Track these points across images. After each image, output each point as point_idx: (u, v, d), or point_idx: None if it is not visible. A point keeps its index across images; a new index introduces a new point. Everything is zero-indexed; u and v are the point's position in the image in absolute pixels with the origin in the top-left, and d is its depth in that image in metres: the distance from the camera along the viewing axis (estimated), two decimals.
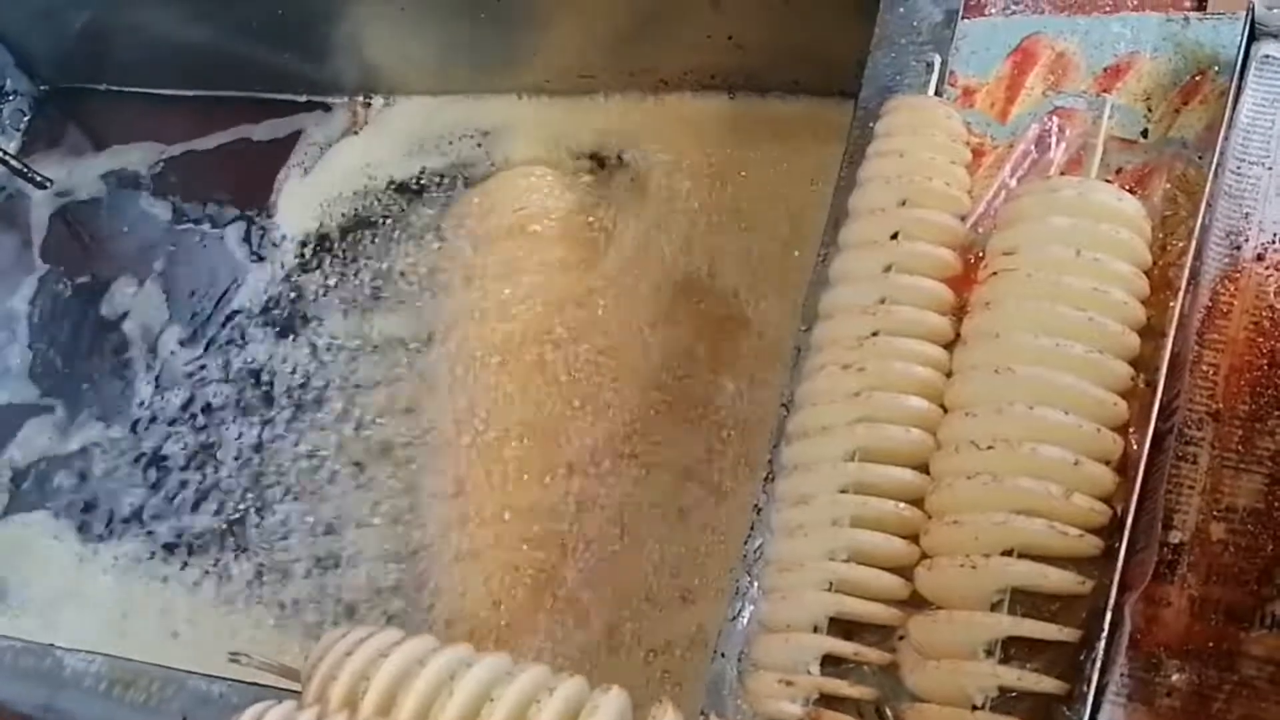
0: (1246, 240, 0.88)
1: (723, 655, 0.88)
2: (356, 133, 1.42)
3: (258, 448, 1.31)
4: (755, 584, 0.88)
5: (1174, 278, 0.87)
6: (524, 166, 1.28)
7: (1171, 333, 0.85)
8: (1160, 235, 0.89)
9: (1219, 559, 0.82)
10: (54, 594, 1.31)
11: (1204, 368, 0.86)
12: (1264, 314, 0.86)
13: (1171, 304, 0.86)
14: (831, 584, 0.83)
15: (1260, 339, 0.86)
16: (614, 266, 1.23)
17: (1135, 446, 0.84)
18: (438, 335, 1.28)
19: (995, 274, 0.86)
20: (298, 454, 1.30)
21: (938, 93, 0.97)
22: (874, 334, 0.87)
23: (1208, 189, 0.88)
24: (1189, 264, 0.87)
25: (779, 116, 1.24)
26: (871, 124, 0.96)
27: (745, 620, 0.87)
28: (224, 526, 1.30)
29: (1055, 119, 0.95)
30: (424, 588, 1.18)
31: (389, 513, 1.23)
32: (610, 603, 1.12)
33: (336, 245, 1.37)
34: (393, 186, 1.37)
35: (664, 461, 1.16)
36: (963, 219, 0.92)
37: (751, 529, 0.90)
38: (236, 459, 1.31)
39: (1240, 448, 0.84)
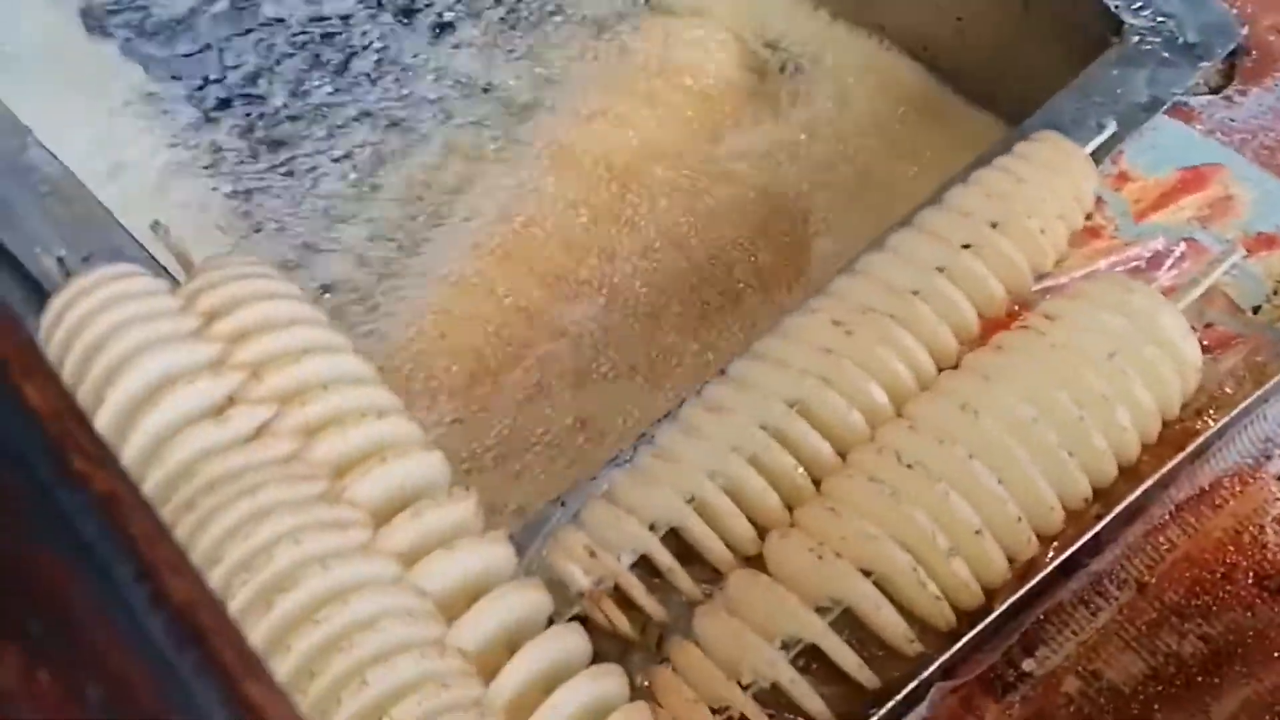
0: (1277, 455, 0.82)
1: (563, 504, 0.84)
2: None
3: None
4: (633, 458, 0.84)
5: (1186, 442, 0.81)
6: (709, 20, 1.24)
7: (1146, 486, 0.80)
8: (1203, 400, 0.83)
9: (1055, 711, 0.76)
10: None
11: (1161, 539, 0.80)
12: (1251, 528, 0.80)
13: (1168, 462, 0.80)
14: (694, 498, 0.79)
15: (1232, 548, 0.79)
16: (728, 152, 1.19)
17: (1046, 558, 0.78)
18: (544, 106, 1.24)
19: (1024, 328, 0.81)
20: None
21: (1095, 158, 0.91)
22: (882, 313, 0.82)
23: (1272, 385, 0.82)
24: (1207, 435, 0.81)
25: (952, 110, 1.18)
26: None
27: (604, 486, 0.83)
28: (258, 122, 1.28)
29: (1184, 246, 0.89)
30: (398, 276, 1.15)
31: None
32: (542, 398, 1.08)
33: None
34: None
35: (672, 321, 1.12)
36: (1036, 276, 0.87)
37: (667, 415, 0.86)
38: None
39: (1143, 629, 0.78)
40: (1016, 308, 0.86)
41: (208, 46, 1.30)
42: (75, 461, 0.35)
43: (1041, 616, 0.77)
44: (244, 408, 0.75)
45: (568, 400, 1.08)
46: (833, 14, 1.25)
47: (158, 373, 0.76)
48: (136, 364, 0.76)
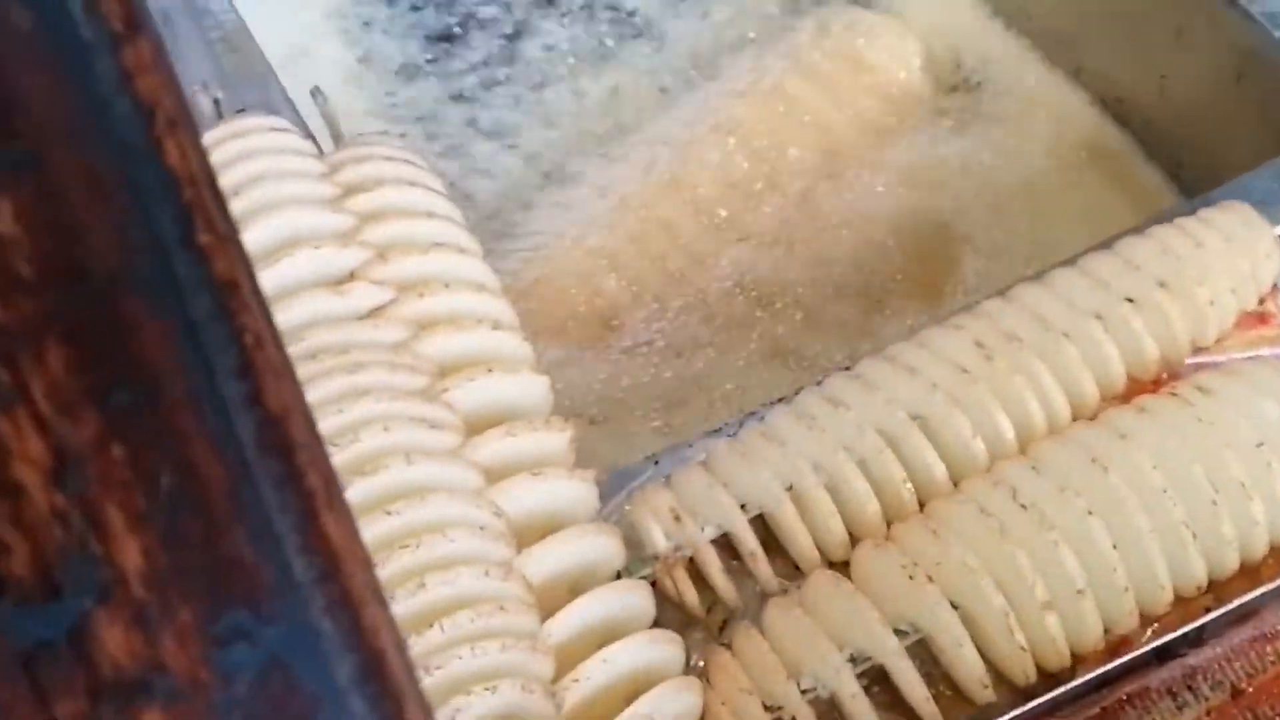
0: None
1: (656, 463, 0.81)
2: None
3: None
4: (737, 432, 0.80)
5: None
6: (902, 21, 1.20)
7: (1266, 590, 0.75)
8: None
9: None
10: None
11: (1269, 649, 0.75)
12: None
13: None
14: (792, 487, 0.75)
15: None
16: (895, 156, 1.15)
17: (1143, 638, 0.74)
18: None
19: (1173, 394, 0.76)
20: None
21: None
22: (1028, 346, 0.78)
23: None
24: None
25: (1131, 169, 1.14)
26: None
27: (701, 455, 0.80)
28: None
29: None
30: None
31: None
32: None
33: None
34: None
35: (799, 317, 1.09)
36: (1194, 348, 0.83)
37: (783, 398, 0.82)
38: None
39: None
40: (1165, 375, 0.82)
41: None
42: (201, 235, 0.32)
43: (1124, 697, 0.73)
44: (364, 285, 0.73)
45: (681, 368, 1.06)
46: (1032, 45, 1.20)
47: (287, 230, 0.74)
48: (268, 216, 0.74)
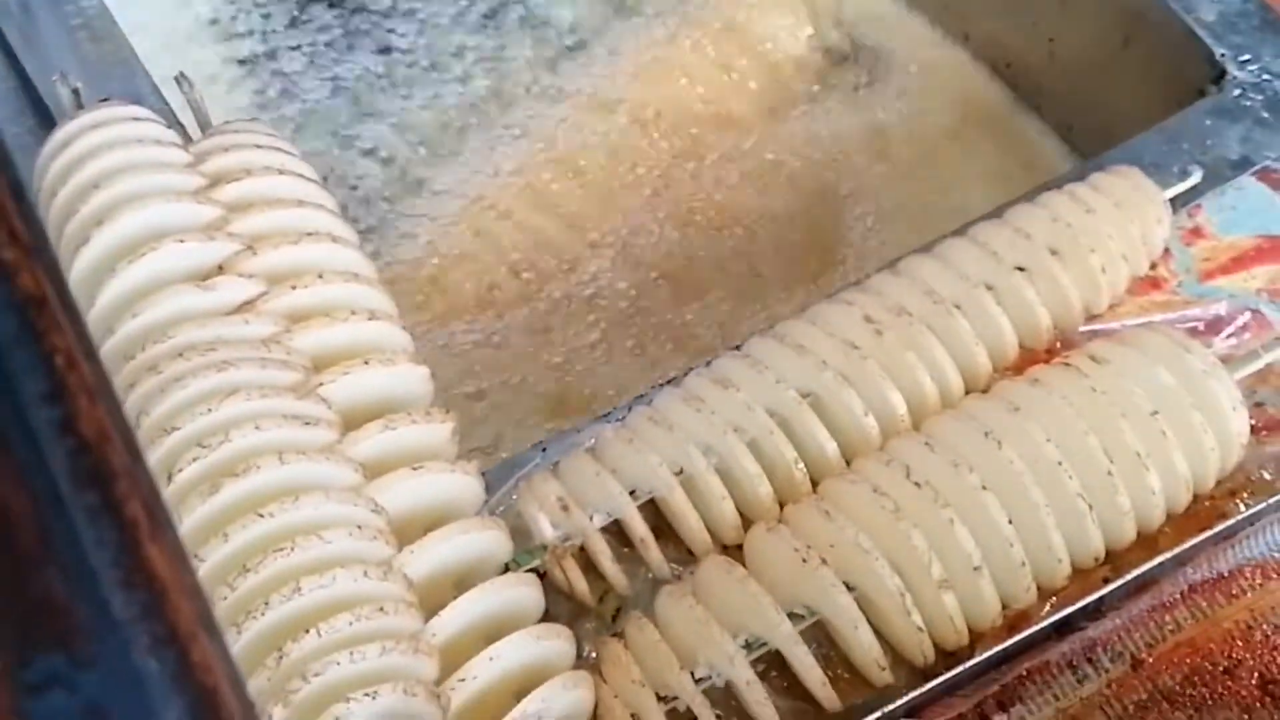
0: None
1: (544, 450, 0.79)
2: None
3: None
4: (625, 417, 0.78)
5: (1214, 522, 0.76)
6: None
7: (1163, 558, 0.74)
8: (1239, 481, 0.78)
9: None
10: None
11: (1167, 618, 0.74)
12: (1265, 626, 0.73)
13: (1191, 539, 0.75)
14: (681, 470, 0.74)
15: (1241, 643, 0.73)
16: (783, 129, 1.13)
17: (1041, 612, 0.73)
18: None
19: (1066, 365, 0.75)
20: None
21: (1172, 206, 0.85)
22: (918, 320, 0.77)
23: None
24: (1237, 519, 0.76)
25: (1024, 132, 1.13)
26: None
27: (589, 441, 0.78)
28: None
29: (1247, 316, 0.84)
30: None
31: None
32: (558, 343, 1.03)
33: None
34: None
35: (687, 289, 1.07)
36: (1087, 315, 0.82)
37: (672, 380, 0.81)
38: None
39: (1129, 707, 0.72)
40: (1059, 344, 0.81)
41: None
42: (2, 250, 0.29)
43: (1024, 673, 0.72)
44: (232, 278, 0.70)
45: (566, 351, 1.03)
46: (911, 8, 1.19)
47: (150, 224, 0.71)
48: (129, 209, 0.71)
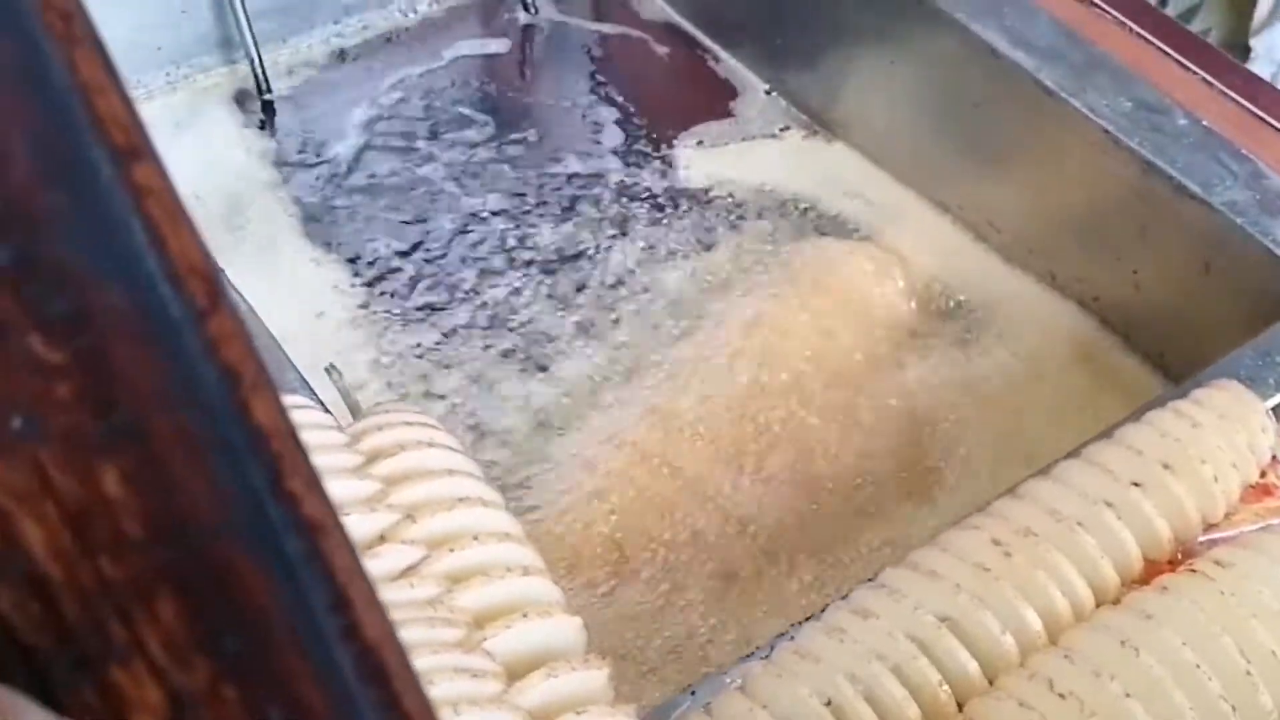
0: None
1: (693, 694, 0.82)
2: None
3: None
4: (769, 654, 0.81)
5: None
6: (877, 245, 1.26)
7: None
8: None
9: None
10: None
11: None
12: None
13: None
14: (830, 701, 0.76)
15: None
16: (884, 379, 1.18)
17: None
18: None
19: (1193, 571, 0.78)
20: None
21: (1276, 417, 0.89)
22: (1044, 539, 0.80)
23: None
24: None
25: (1116, 363, 1.18)
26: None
27: (737, 682, 0.81)
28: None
29: None
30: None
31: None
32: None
33: None
34: None
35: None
36: (1205, 525, 0.85)
37: (814, 615, 0.84)
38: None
39: None
40: (1180, 555, 0.84)
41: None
42: (289, 481, 0.34)
43: None
44: (394, 546, 0.75)
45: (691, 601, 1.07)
46: (1005, 258, 1.25)
47: None
48: None
